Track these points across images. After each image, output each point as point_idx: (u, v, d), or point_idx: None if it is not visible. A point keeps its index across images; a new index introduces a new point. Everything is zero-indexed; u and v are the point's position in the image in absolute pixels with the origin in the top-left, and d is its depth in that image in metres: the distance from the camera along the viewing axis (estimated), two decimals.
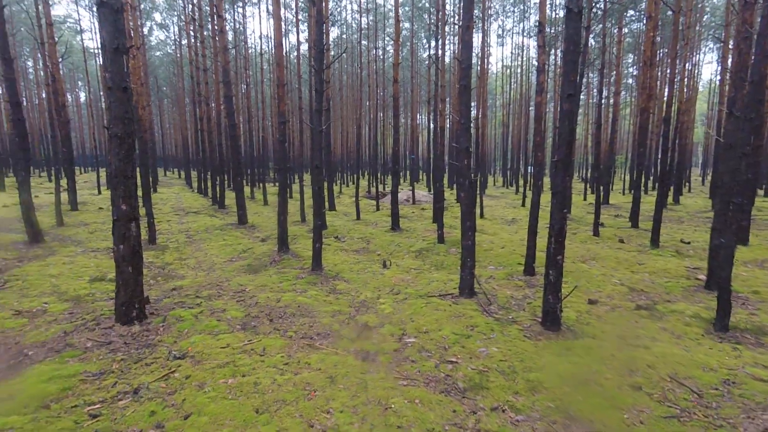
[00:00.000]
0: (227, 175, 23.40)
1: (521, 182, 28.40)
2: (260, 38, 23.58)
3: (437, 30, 14.78)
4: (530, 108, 27.14)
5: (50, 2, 13.53)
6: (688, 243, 9.54)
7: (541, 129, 6.82)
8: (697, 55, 24.79)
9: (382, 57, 27.88)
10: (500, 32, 31.69)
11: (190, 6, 19.71)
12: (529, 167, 24.57)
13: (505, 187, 29.97)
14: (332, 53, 21.70)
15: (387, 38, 29.05)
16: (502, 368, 3.72)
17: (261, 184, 22.75)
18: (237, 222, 11.98)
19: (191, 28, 20.95)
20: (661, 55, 23.84)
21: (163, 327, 4.49)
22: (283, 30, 23.86)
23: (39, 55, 28.58)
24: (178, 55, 28.05)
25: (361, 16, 20.69)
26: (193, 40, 20.89)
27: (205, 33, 18.01)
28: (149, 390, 3.22)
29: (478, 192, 13.79)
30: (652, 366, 3.80)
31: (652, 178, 27.85)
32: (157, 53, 39.24)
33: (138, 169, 8.22)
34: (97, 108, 36.06)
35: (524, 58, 27.37)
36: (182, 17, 24.03)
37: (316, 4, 7.32)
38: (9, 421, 2.79)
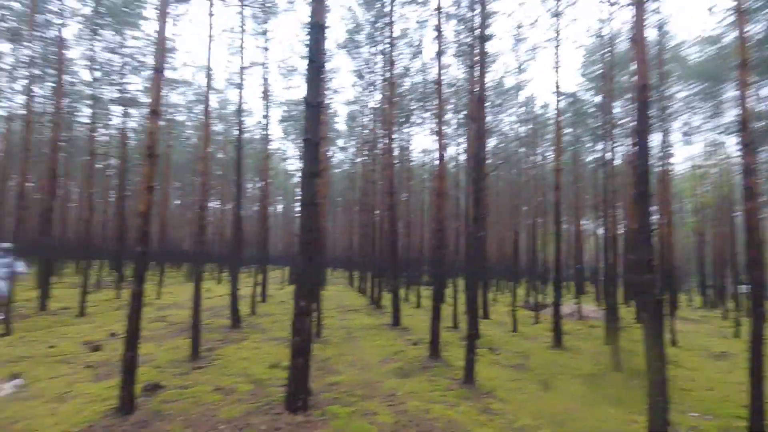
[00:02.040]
0: (385, 277, 24.87)
1: (730, 304, 22.79)
2: (422, 152, 26.18)
3: (604, 132, 14.20)
4: (733, 214, 22.76)
5: (269, 139, 17.70)
6: None
7: (756, 240, 5.54)
8: None
9: (541, 162, 27.76)
10: (686, 129, 28.63)
11: (366, 131, 23.49)
12: (741, 286, 19.80)
13: (705, 309, 24.39)
14: (489, 161, 22.64)
15: (546, 144, 29.12)
16: None
17: (415, 287, 23.38)
18: (391, 323, 12.30)
19: (365, 148, 24.69)
20: None
21: (321, 421, 4.65)
22: (443, 144, 26.13)
23: (256, 178, 36.97)
24: (353, 170, 32.89)
25: (519, 126, 21.46)
26: (366, 158, 24.44)
27: (376, 151, 20.94)
28: None
29: (666, 313, 11.49)
30: None
31: None
32: (336, 170, 46.89)
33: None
34: (289, 217, 43.68)
35: (721, 156, 23.73)
36: (359, 140, 28.62)
37: (476, 121, 7.93)
38: None
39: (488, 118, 23.13)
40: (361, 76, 24.31)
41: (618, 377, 7.59)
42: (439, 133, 8.94)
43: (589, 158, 25.56)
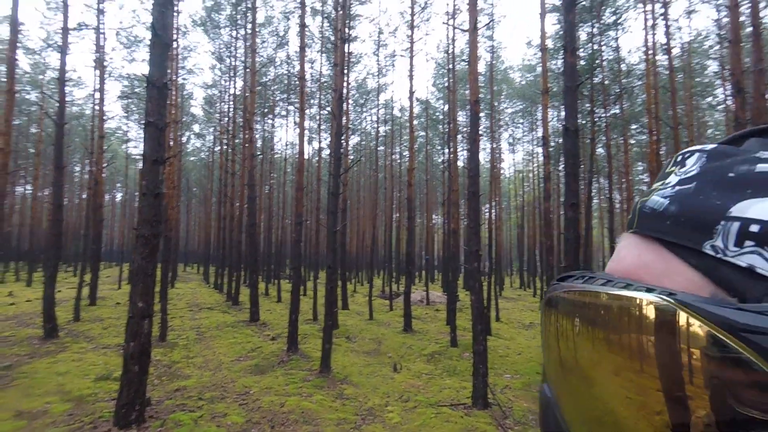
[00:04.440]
0: (244, 272, 23.80)
1: (539, 284, 27.83)
2: (285, 145, 25.68)
3: (449, 139, 15.95)
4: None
5: (105, 118, 15.31)
6: None
7: (550, 233, 6.98)
8: None
9: (398, 161, 29.71)
10: (511, 140, 33.87)
11: (226, 119, 22.00)
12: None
13: (522, 289, 29.35)
14: (351, 157, 23.35)
15: (404, 145, 31.30)
16: None
17: (276, 281, 22.91)
18: (249, 319, 11.87)
19: (224, 137, 23.13)
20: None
21: None
22: (307, 138, 25.98)
23: (87, 161, 31.48)
24: (210, 160, 30.50)
25: (378, 126, 22.63)
26: (225, 147, 22.90)
27: (236, 141, 19.79)
28: None
29: (493, 294, 13.54)
30: None
31: None
32: (192, 158, 42.80)
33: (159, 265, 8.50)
34: (131, 207, 38.34)
35: (535, 164, 28.76)
36: (218, 128, 26.67)
37: (336, 118, 8.17)
38: None
39: (351, 116, 23.84)
40: (221, 59, 22.64)
41: (455, 352, 8.71)
42: (301, 127, 8.93)
43: (439, 159, 28.29)
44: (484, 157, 30.15)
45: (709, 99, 23.84)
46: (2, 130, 7.65)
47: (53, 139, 9.66)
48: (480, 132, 6.73)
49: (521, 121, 31.41)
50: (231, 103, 20.53)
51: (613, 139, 19.12)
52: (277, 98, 23.55)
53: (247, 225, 13.97)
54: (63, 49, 9.82)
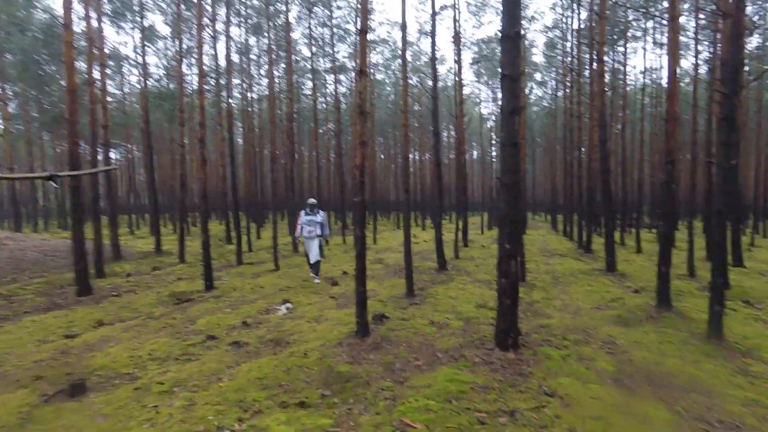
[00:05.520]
0: (594, 220, 22.53)
1: None
2: (642, 72, 21.68)
3: None
4: None
5: (463, 85, 17.48)
6: None
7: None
8: None
9: None
10: None
11: (569, 58, 20.69)
12: None
13: None
14: (746, 69, 17.12)
15: None
16: None
17: (634, 231, 20.43)
18: (605, 268, 11.17)
19: (568, 78, 21.89)
20: None
21: (533, 360, 4.70)
22: (677, 54, 20.95)
23: (451, 125, 37.46)
24: (554, 106, 29.84)
25: None
26: (568, 90, 21.73)
27: (581, 80, 18.35)
28: (523, 416, 3.42)
29: None
30: None
31: None
32: (534, 108, 43.29)
33: None
34: (485, 163, 43.16)
35: None
36: (560, 71, 25.53)
37: (729, 17, 6.03)
38: (428, 403, 3.64)
39: (748, 9, 17.25)
40: None
41: None
42: (673, 39, 7.18)
43: None
44: None
45: None
46: (403, 109, 9.97)
47: (430, 111, 11.97)
48: None
49: None
50: (574, 39, 19.09)
51: None
52: (630, 18, 20.00)
53: (600, 171, 12.92)
54: (433, 33, 11.77)
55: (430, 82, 11.59)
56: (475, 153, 52.53)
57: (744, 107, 18.80)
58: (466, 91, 33.06)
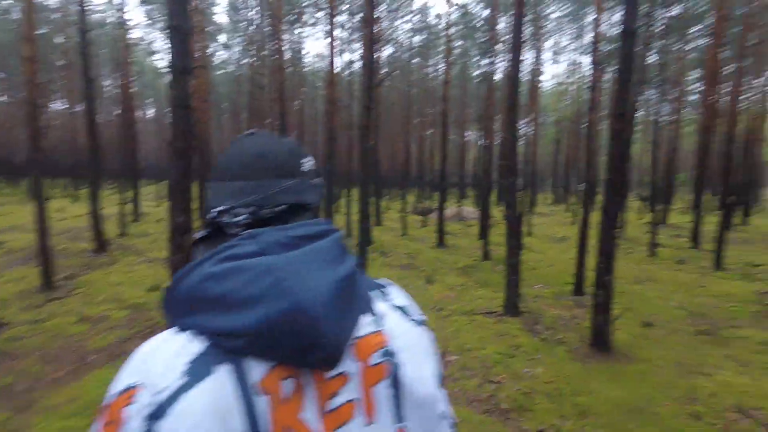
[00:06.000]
0: None
1: (572, 199, 27.47)
2: (315, 58, 24.67)
3: (489, 47, 14.83)
4: (582, 126, 26.37)
5: (128, 25, 14.87)
6: (758, 266, 8.86)
7: (593, 147, 6.68)
8: None
9: (432, 74, 28.22)
10: (556, 49, 31.13)
11: (253, 27, 21.09)
12: (580, 185, 23.75)
13: (554, 205, 29.08)
14: (383, 70, 22.31)
15: (439, 56, 29.43)
16: (548, 390, 3.66)
17: None
18: None
19: (251, 48, 22.34)
20: (731, 69, 22.38)
21: None
22: (337, 49, 24.81)
23: (116, 74, 31.40)
24: (239, 73, 29.84)
25: (413, 36, 21.21)
26: (253, 60, 22.24)
27: (264, 53, 19.14)
28: None
29: (526, 209, 13.51)
30: (715, 395, 3.59)
31: (720, 197, 25.97)
32: (219, 72, 41.93)
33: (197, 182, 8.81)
34: (162, 124, 38.88)
35: (577, 76, 26.65)
36: (244, 38, 25.66)
37: (368, 25, 7.67)
38: (69, 424, 3.04)
39: (384, 24, 22.30)
40: None
41: (487, 265, 9.00)
42: (331, 35, 8.49)
43: (476, 72, 26.62)
44: (524, 68, 28.12)
45: None
46: (26, 35, 7.16)
47: (79, 48, 9.19)
48: (522, 38, 6.19)
49: (567, 27, 28.59)
50: (257, 9, 19.50)
51: (669, 44, 17.29)
52: (305, 3, 22.11)
53: None
54: None
55: (77, 7, 8.79)
56: (150, 111, 46.33)
57: (382, 101, 24.46)
58: (135, 34, 28.40)
